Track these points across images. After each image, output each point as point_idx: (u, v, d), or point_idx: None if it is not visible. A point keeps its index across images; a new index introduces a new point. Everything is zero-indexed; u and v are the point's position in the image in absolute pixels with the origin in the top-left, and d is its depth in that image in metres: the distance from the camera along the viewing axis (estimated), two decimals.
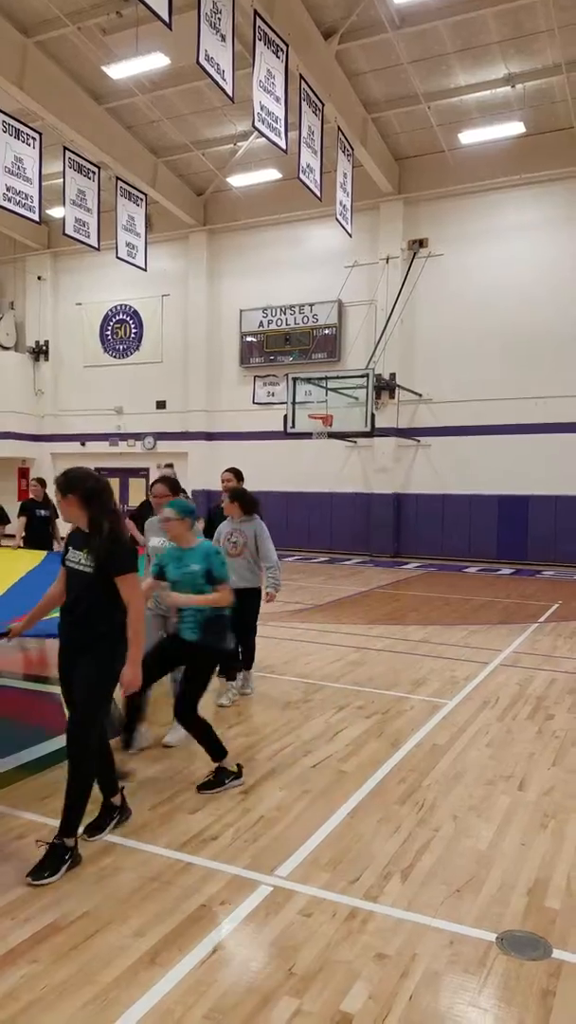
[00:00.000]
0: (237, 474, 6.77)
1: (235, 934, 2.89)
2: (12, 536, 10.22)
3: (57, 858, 3.28)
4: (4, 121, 12.87)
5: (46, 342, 23.31)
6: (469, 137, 16.59)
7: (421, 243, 18.36)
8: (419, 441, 18.45)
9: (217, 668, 4.61)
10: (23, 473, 23.08)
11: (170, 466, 7.70)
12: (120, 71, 14.46)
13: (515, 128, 16.20)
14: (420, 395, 18.26)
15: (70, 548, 3.58)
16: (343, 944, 2.83)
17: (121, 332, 22.35)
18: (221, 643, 4.40)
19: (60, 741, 4.93)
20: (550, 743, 5.12)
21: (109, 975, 2.62)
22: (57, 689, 6.34)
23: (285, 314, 19.91)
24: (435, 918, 3.01)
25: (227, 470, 6.84)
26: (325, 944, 2.83)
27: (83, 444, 22.69)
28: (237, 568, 5.77)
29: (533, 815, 3.98)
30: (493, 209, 17.60)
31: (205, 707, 4.67)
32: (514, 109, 15.88)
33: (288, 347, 19.88)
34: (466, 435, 17.89)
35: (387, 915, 3.03)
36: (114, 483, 22.22)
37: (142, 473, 21.50)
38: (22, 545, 9.73)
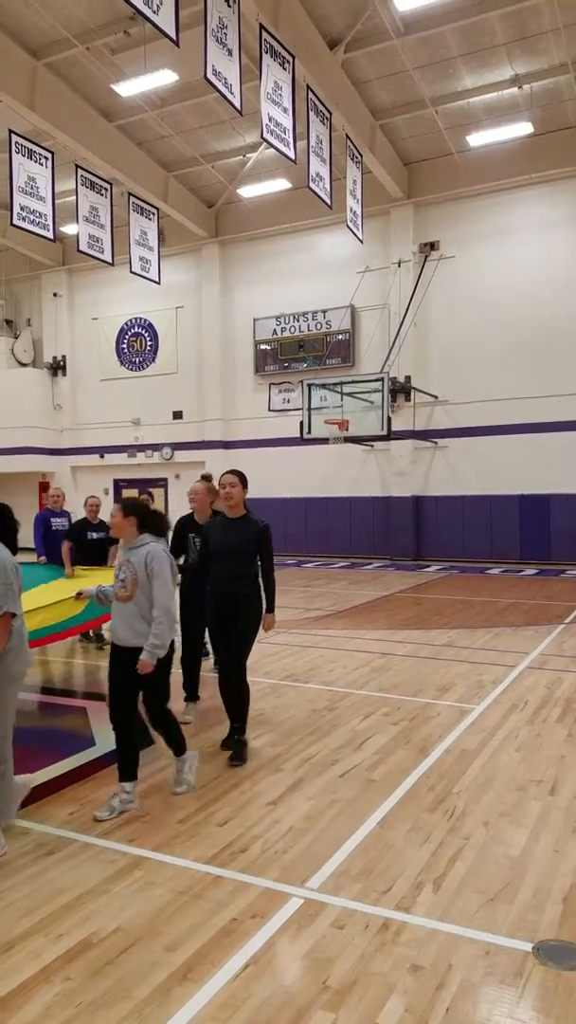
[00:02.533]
0: (242, 478, 5.10)
1: (267, 948, 2.87)
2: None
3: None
4: (17, 142, 13.06)
5: (63, 357, 23.55)
6: (477, 139, 16.59)
7: (432, 246, 18.34)
8: (436, 443, 18.39)
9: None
10: (43, 487, 23.30)
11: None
12: (129, 88, 14.63)
13: (523, 128, 16.18)
14: (436, 397, 18.21)
15: None
16: (377, 956, 2.81)
17: (137, 345, 22.53)
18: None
19: (88, 755, 4.98)
20: None
21: (143, 991, 2.62)
22: (79, 702, 6.40)
23: (298, 321, 19.96)
24: (469, 928, 2.98)
25: (229, 472, 5.17)
26: (359, 956, 2.81)
27: (102, 456, 22.88)
28: (126, 617, 4.13)
29: (566, 820, 3.93)
30: (503, 210, 17.56)
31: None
32: (522, 109, 15.85)
33: (302, 354, 19.94)
34: (484, 435, 17.81)
35: (421, 926, 3.01)
36: (132, 494, 22.58)
37: (160, 483, 21.62)
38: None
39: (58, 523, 8.97)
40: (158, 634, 4.02)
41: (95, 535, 8.26)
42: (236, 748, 4.92)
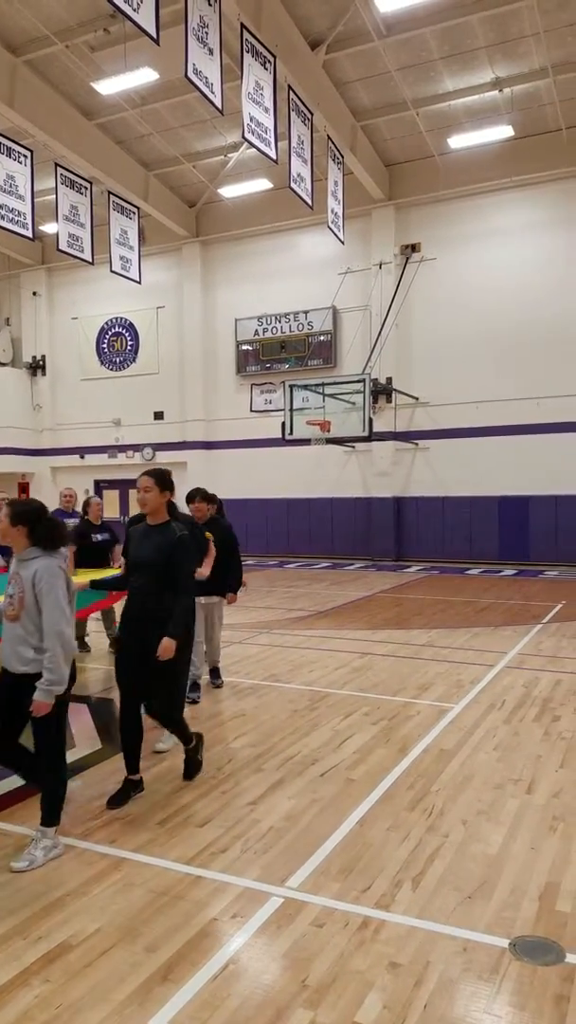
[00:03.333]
0: (160, 480, 4.34)
1: (247, 947, 2.89)
2: None
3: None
4: None
5: (43, 357, 23.38)
6: (458, 142, 16.68)
7: (414, 248, 18.43)
8: (417, 444, 18.47)
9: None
10: (23, 488, 23.13)
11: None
12: (109, 87, 14.55)
13: (504, 132, 16.29)
14: (417, 399, 18.30)
15: None
16: (356, 954, 2.83)
17: (117, 345, 22.42)
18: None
19: (68, 756, 4.95)
20: (557, 745, 5.12)
21: (123, 992, 2.62)
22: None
23: (280, 322, 19.97)
24: (447, 925, 3.01)
25: (146, 473, 4.41)
26: (338, 955, 2.83)
27: (82, 457, 22.74)
28: (11, 640, 3.61)
29: (542, 818, 3.97)
30: (484, 212, 17.68)
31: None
32: (502, 113, 15.96)
33: (284, 354, 19.94)
34: (464, 437, 17.91)
35: (399, 923, 3.03)
36: (113, 495, 22.45)
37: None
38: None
39: (71, 524, 8.76)
40: (52, 668, 3.44)
41: (99, 537, 8.05)
42: (185, 763, 4.64)
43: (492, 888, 3.29)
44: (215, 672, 6.87)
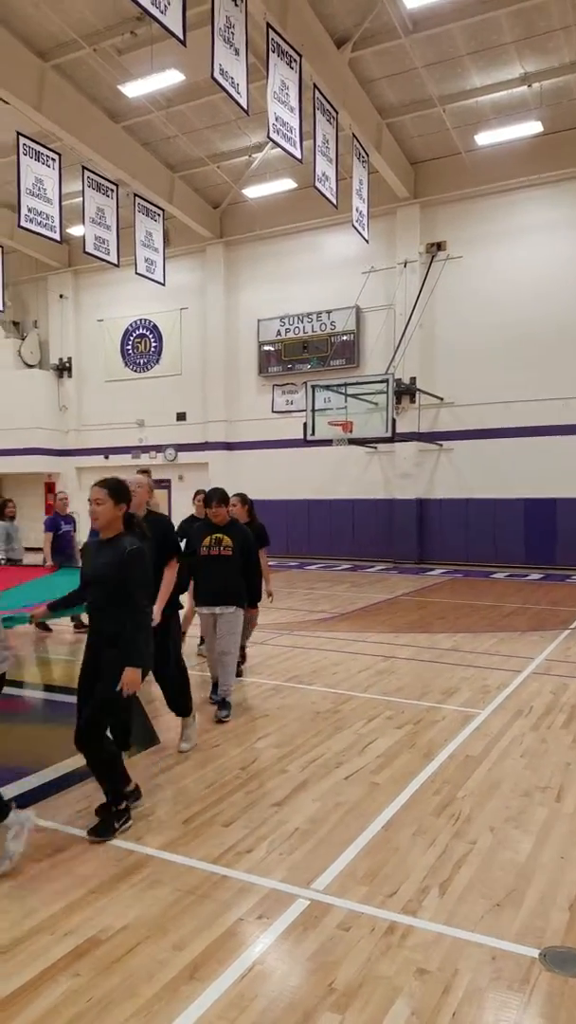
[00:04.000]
0: (114, 491, 4.06)
1: (274, 948, 2.88)
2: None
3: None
4: (24, 144, 13.08)
5: (69, 359, 23.59)
6: (485, 138, 16.55)
7: (439, 246, 18.32)
8: (441, 445, 18.36)
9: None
10: (49, 488, 23.35)
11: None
12: (136, 89, 14.64)
13: (532, 127, 16.14)
14: (441, 399, 18.19)
15: None
16: (383, 959, 2.81)
17: (141, 346, 22.55)
18: None
19: None
20: None
21: (150, 989, 2.62)
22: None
23: (303, 322, 19.96)
24: (475, 932, 2.98)
25: (97, 483, 4.47)
26: (365, 959, 2.81)
27: (106, 457, 22.89)
28: None
29: (572, 827, 3.92)
30: (512, 209, 17.53)
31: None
32: (531, 108, 15.82)
33: (306, 355, 19.93)
34: (489, 438, 17.77)
35: (426, 930, 3.01)
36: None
37: (164, 484, 21.64)
38: None
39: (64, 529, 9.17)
40: None
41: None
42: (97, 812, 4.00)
43: (521, 897, 3.25)
44: (222, 703, 5.84)
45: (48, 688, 7.10)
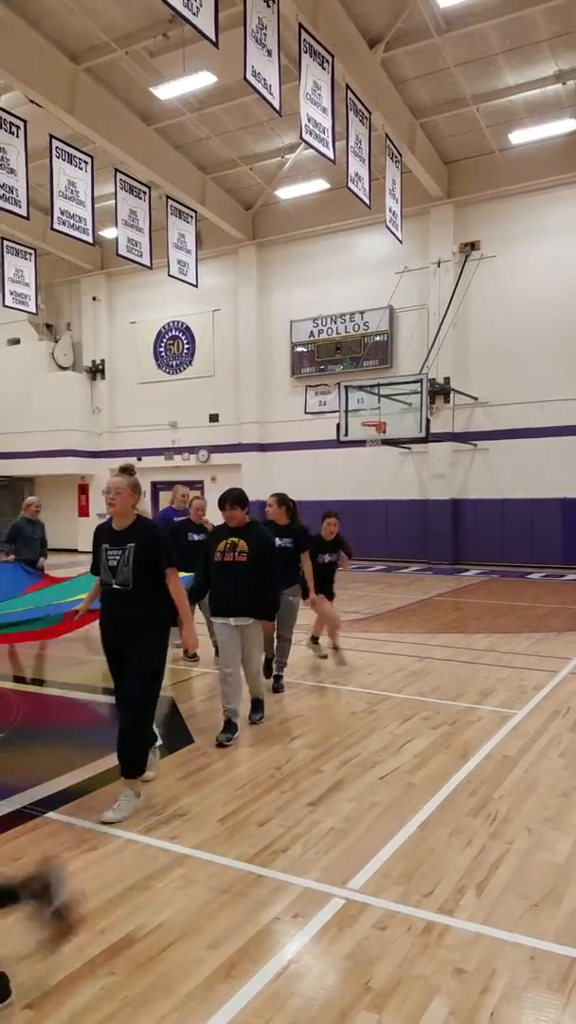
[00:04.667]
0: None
1: (309, 947, 2.86)
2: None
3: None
4: (57, 147, 13.26)
5: (102, 361, 23.84)
6: (519, 137, 16.39)
7: (473, 245, 18.16)
8: (476, 445, 18.19)
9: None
10: (82, 489, 23.63)
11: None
12: (168, 91, 14.74)
13: (567, 125, 15.94)
14: (476, 398, 18.03)
15: None
16: (420, 959, 2.78)
17: (174, 348, 22.70)
18: None
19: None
20: None
21: (186, 987, 2.62)
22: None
23: (336, 323, 19.92)
24: (514, 932, 2.94)
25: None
26: (401, 958, 2.78)
27: (139, 459, 23.02)
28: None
29: None
30: (546, 208, 17.32)
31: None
32: (565, 106, 15.62)
33: (339, 355, 19.89)
34: (525, 438, 17.56)
35: (464, 929, 2.97)
36: (168, 496, 22.79)
37: (197, 485, 21.75)
38: None
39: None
40: None
41: (196, 537, 7.44)
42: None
43: (560, 897, 3.19)
44: (256, 704, 5.74)
45: (86, 689, 7.17)
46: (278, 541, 5.90)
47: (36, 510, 9.81)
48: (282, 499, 6.60)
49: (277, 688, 6.60)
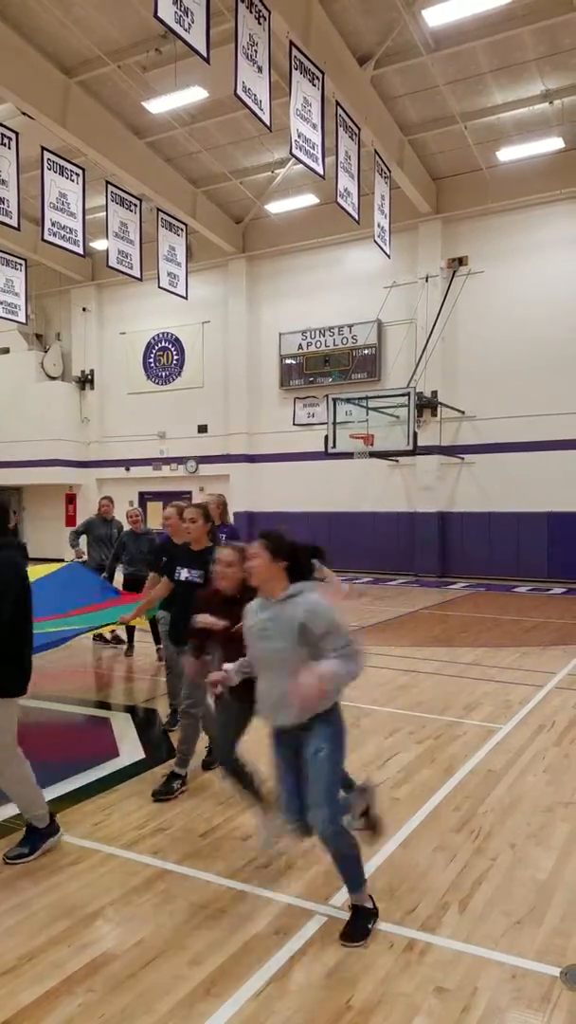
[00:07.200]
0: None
1: (291, 965, 2.84)
2: None
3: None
4: (49, 159, 13.27)
5: (91, 371, 23.82)
6: (507, 154, 16.56)
7: (461, 261, 18.32)
8: (463, 459, 18.28)
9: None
10: (70, 499, 23.54)
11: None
12: (159, 105, 14.82)
13: (554, 144, 16.12)
14: (463, 412, 18.13)
15: None
16: (401, 976, 2.77)
17: (163, 359, 22.72)
18: None
19: (112, 766, 4.99)
20: None
21: (166, 1005, 2.60)
22: (103, 712, 6.41)
23: (324, 336, 20.01)
24: (495, 950, 2.93)
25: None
26: (383, 976, 2.77)
27: (127, 469, 23.04)
28: None
29: None
30: (533, 225, 17.50)
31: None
32: (552, 125, 15.82)
33: (328, 368, 19.96)
34: (511, 451, 17.66)
35: (445, 947, 2.96)
36: (156, 507, 22.75)
37: (185, 496, 21.71)
38: None
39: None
40: None
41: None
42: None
43: (542, 914, 3.19)
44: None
45: (65, 701, 7.11)
46: None
47: (108, 507, 9.24)
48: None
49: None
